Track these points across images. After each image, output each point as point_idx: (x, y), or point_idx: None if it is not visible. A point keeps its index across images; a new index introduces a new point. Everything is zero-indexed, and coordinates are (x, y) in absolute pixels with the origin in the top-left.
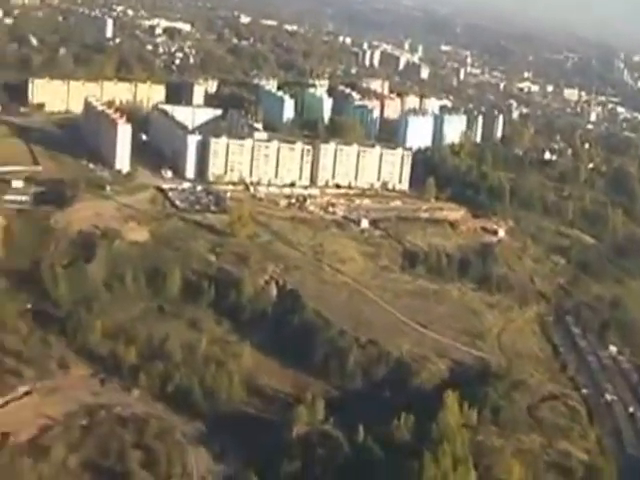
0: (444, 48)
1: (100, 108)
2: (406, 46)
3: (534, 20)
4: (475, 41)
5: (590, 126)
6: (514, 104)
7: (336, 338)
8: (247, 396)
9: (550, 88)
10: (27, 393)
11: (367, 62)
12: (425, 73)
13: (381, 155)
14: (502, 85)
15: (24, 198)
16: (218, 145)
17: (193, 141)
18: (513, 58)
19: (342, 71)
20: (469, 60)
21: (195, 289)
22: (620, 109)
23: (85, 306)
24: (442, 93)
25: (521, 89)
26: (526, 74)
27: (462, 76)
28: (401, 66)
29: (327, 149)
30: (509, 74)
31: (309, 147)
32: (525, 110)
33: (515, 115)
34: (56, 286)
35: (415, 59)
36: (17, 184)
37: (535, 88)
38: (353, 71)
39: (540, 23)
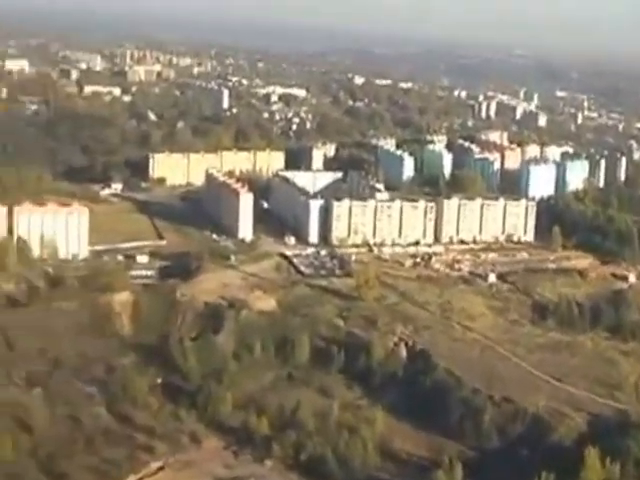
0: (560, 94)
1: (221, 179)
2: (521, 95)
3: None
4: (591, 85)
5: None
6: (634, 145)
7: (470, 397)
8: (381, 461)
9: None
10: (160, 469)
11: (483, 114)
12: (543, 121)
13: (505, 207)
14: (621, 127)
15: (150, 273)
16: (340, 208)
17: (315, 206)
18: (630, 99)
19: (459, 125)
20: (586, 104)
21: (324, 355)
22: None
23: (215, 378)
24: (561, 139)
25: None
26: None
27: (580, 121)
28: (518, 115)
29: (450, 205)
30: (627, 115)
31: (432, 204)
32: None
33: (637, 156)
34: (185, 359)
35: (532, 107)
36: (142, 259)
37: None
38: (470, 124)
39: None
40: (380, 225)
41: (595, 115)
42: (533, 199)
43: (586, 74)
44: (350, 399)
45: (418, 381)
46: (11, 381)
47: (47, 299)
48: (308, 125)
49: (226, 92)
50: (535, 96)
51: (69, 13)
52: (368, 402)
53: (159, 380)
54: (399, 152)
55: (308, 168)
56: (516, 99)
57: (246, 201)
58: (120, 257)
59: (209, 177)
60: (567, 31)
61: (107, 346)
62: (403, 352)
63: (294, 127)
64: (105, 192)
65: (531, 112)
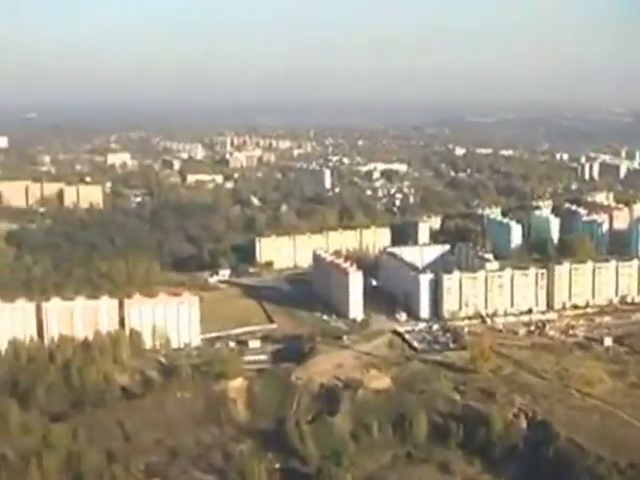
0: None
1: (329, 259)
2: (623, 154)
3: None
4: None
5: None
6: None
7: (594, 465)
8: None
9: None
10: None
11: (587, 176)
12: None
13: (617, 269)
14: None
15: (263, 357)
16: (451, 281)
17: (425, 280)
18: None
19: (562, 189)
20: None
21: (442, 430)
22: None
23: (334, 460)
24: None
25: None
26: None
27: None
28: (622, 174)
29: (561, 270)
30: None
31: (543, 271)
32: None
33: None
34: (303, 442)
35: (635, 165)
36: (254, 344)
37: None
38: (574, 187)
39: None
40: (491, 295)
41: None
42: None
43: None
44: (471, 474)
45: (540, 452)
46: (130, 474)
47: (162, 389)
48: (411, 200)
49: (328, 172)
50: (637, 154)
51: (167, 106)
52: (490, 477)
53: (277, 465)
54: (506, 220)
55: (415, 243)
56: (618, 158)
57: (356, 280)
58: (232, 343)
59: (317, 258)
60: None
61: (224, 433)
62: (523, 423)
63: (397, 202)
64: (213, 279)
65: (635, 170)
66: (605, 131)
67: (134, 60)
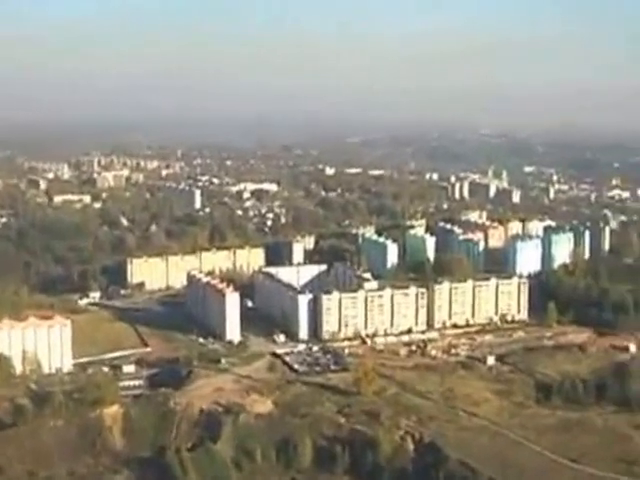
0: (528, 169)
1: (204, 279)
2: (490, 173)
3: (615, 128)
4: (558, 158)
5: None
6: (609, 214)
7: None
8: None
9: None
10: None
11: (457, 195)
12: (516, 197)
13: (497, 287)
14: (593, 197)
15: (138, 382)
16: (330, 301)
17: (304, 300)
18: (598, 168)
19: (434, 208)
20: (555, 178)
21: (328, 455)
22: None
23: None
24: (536, 214)
25: (612, 197)
26: (614, 182)
27: (552, 194)
28: (491, 193)
29: (441, 289)
30: (597, 185)
31: (423, 290)
32: (623, 218)
33: (614, 224)
34: (184, 471)
35: (504, 184)
36: (129, 369)
37: (626, 194)
38: (445, 206)
39: (619, 129)
40: (371, 315)
41: (566, 187)
42: (521, 276)
43: (551, 147)
44: None
45: (430, 475)
46: None
47: (34, 418)
48: (283, 219)
49: (197, 192)
50: (504, 173)
51: (32, 124)
52: None
53: None
54: (381, 239)
55: (289, 263)
56: (484, 177)
57: (232, 301)
58: (105, 368)
59: (191, 279)
60: (529, 106)
61: (99, 463)
62: (410, 446)
63: (269, 222)
64: (84, 302)
65: (504, 189)
66: (472, 151)
67: None
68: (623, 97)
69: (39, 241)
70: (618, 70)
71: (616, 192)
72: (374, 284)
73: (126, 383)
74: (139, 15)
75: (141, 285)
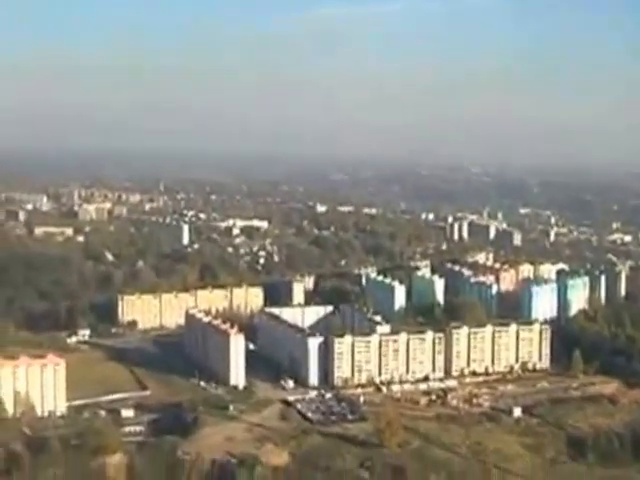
0: (523, 211)
1: (205, 319)
2: (485, 214)
3: (611, 168)
4: (553, 199)
5: None
6: (614, 258)
7: None
8: None
9: None
10: None
11: (456, 236)
12: (518, 239)
13: (517, 333)
14: (594, 240)
15: (138, 429)
16: (342, 345)
17: (314, 344)
18: (597, 210)
19: (433, 249)
20: (553, 220)
21: None
22: None
23: None
24: (542, 258)
25: (614, 241)
26: (615, 225)
27: (552, 237)
28: (492, 235)
29: (459, 335)
30: (597, 228)
31: (440, 335)
32: (630, 263)
33: (624, 268)
34: None
35: (504, 226)
36: (127, 413)
37: (628, 238)
38: (444, 247)
39: (616, 170)
40: (385, 361)
41: (565, 230)
42: (543, 322)
43: (546, 187)
44: None
45: None
46: None
47: (31, 466)
48: (276, 258)
49: (186, 227)
50: (499, 214)
51: (6, 154)
52: None
53: None
54: (388, 281)
55: (290, 303)
56: (483, 219)
57: (237, 343)
58: (102, 412)
59: (190, 318)
60: (520, 143)
61: None
62: None
63: (261, 260)
64: (73, 339)
65: (505, 231)
66: (463, 190)
67: None
68: (621, 135)
69: (20, 274)
70: (616, 107)
71: (617, 236)
72: (387, 328)
73: (126, 429)
74: (124, 49)
75: (133, 323)
